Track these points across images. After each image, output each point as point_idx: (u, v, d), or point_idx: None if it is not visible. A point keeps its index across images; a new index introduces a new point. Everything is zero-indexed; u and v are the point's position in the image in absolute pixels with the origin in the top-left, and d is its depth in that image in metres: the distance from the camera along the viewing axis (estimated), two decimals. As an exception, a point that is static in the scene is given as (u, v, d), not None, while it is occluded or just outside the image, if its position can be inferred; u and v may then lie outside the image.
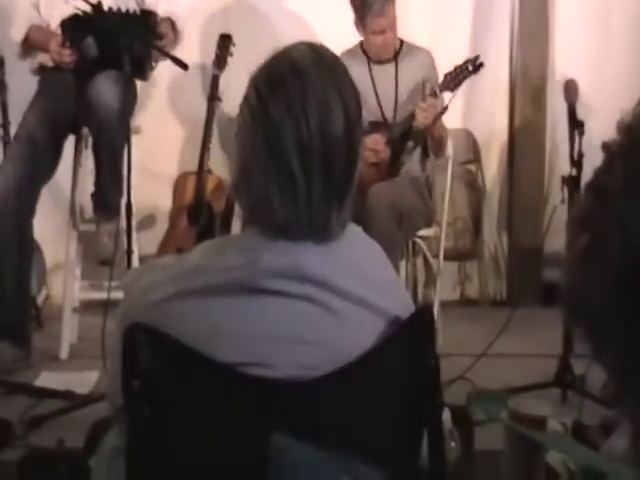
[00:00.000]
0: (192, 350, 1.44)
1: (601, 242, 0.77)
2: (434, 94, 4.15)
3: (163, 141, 5.07)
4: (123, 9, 3.96)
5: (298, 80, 1.49)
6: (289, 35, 5.05)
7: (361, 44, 4.40)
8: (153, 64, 4.07)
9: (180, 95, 5.14)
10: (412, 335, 1.55)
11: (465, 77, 4.13)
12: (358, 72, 4.23)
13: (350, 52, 4.36)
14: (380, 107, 4.32)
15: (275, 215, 1.48)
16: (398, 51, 4.37)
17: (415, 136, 4.30)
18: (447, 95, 4.19)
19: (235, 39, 4.79)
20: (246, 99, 1.53)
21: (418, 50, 4.40)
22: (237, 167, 1.54)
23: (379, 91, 4.32)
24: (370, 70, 4.34)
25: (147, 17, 4.00)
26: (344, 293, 1.50)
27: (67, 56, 3.93)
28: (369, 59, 4.37)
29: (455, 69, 4.14)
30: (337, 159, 1.49)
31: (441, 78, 4.18)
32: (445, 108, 4.16)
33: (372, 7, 4.17)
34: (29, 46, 4.14)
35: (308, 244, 1.50)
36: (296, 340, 1.48)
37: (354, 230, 1.59)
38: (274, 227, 1.49)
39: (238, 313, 1.47)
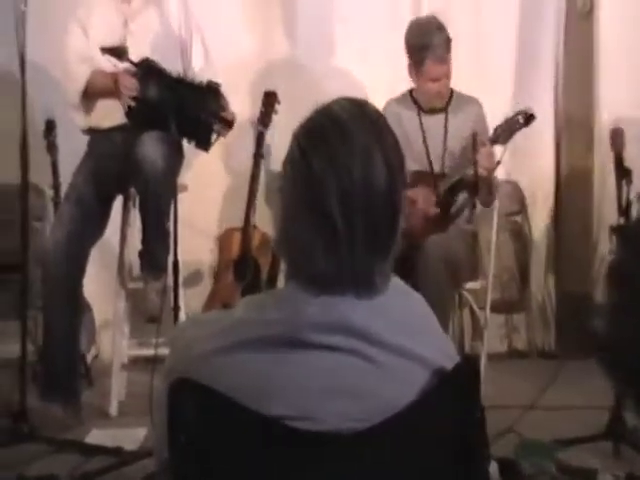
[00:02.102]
0: (238, 404, 1.44)
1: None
2: (486, 144, 4.11)
3: (209, 197, 5.13)
4: (170, 70, 4.01)
5: (339, 132, 1.50)
6: (335, 91, 5.10)
7: (410, 92, 4.39)
8: (214, 136, 4.10)
9: (225, 152, 5.20)
10: (457, 386, 1.55)
11: (516, 130, 4.10)
12: (408, 120, 4.26)
13: (399, 100, 4.37)
14: (428, 157, 4.32)
15: (317, 268, 1.49)
16: (449, 101, 4.35)
17: (467, 187, 4.27)
18: (498, 148, 4.16)
19: (281, 96, 4.85)
20: (288, 154, 1.55)
21: (468, 100, 4.38)
22: (280, 221, 1.56)
23: (428, 141, 4.31)
24: (420, 119, 4.33)
25: (215, 90, 4.06)
26: (388, 345, 1.50)
27: (131, 84, 3.97)
28: (419, 108, 4.36)
29: (506, 121, 4.12)
30: (379, 211, 1.49)
31: (491, 130, 4.16)
32: (498, 162, 4.14)
33: (434, 53, 4.15)
34: (90, 93, 4.19)
35: (351, 297, 1.50)
36: (342, 393, 1.48)
37: (395, 281, 1.59)
38: (316, 280, 1.50)
39: (283, 366, 1.47)
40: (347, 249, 1.48)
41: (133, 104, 3.97)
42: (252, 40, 5.27)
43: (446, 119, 4.34)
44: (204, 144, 4.07)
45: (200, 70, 4.29)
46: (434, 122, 4.34)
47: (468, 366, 1.57)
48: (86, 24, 4.25)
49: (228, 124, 4.10)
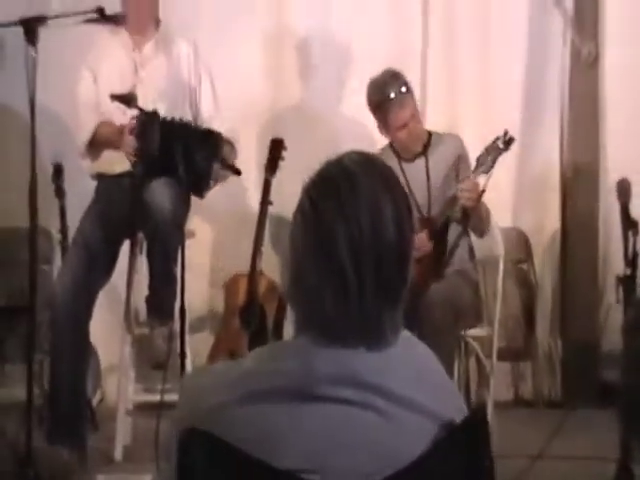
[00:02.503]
0: (249, 456, 1.44)
1: None
2: (469, 177, 4.14)
3: (215, 244, 5.15)
4: (172, 117, 4.03)
5: (349, 184, 1.52)
6: (343, 138, 5.16)
7: (391, 144, 4.44)
8: (211, 183, 4.10)
9: (232, 198, 5.22)
10: (466, 438, 1.55)
11: (497, 155, 4.11)
12: None
13: (380, 152, 4.38)
14: (416, 203, 4.29)
15: (327, 318, 1.50)
16: (427, 144, 4.39)
17: (461, 220, 4.29)
18: (482, 177, 4.16)
19: (288, 143, 4.88)
20: (299, 204, 1.57)
21: (446, 137, 4.43)
22: (289, 271, 1.57)
23: (412, 187, 4.25)
24: (401, 168, 4.31)
25: (214, 138, 4.06)
26: (399, 399, 1.51)
27: (131, 141, 4.00)
28: (399, 157, 4.39)
29: (486, 149, 4.14)
30: (389, 260, 1.51)
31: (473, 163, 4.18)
32: (483, 191, 4.14)
33: (390, 102, 4.22)
34: (96, 143, 4.24)
35: (361, 350, 1.51)
36: (353, 446, 1.48)
37: (405, 334, 1.60)
38: (327, 332, 1.51)
39: (294, 419, 1.47)
40: (357, 299, 1.49)
41: (136, 160, 4.00)
42: (263, 86, 5.31)
43: (426, 163, 4.38)
44: (199, 191, 4.07)
45: (209, 116, 4.32)
46: (415, 168, 4.37)
47: (478, 419, 1.58)
48: (96, 70, 4.29)
49: (234, 171, 4.10)
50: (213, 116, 4.33)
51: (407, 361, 1.57)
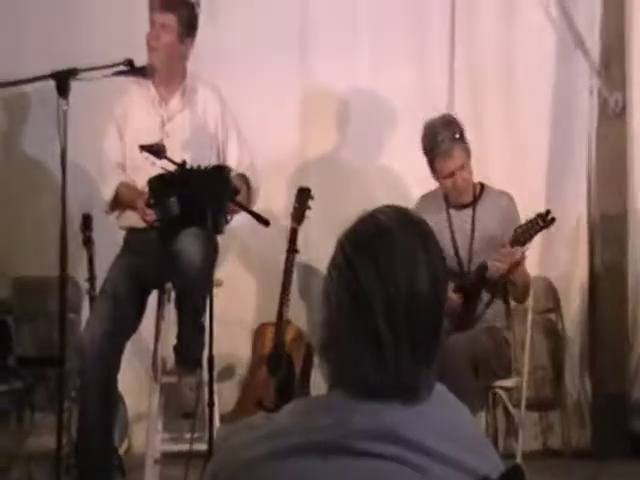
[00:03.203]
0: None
1: None
2: (506, 245, 4.12)
3: (243, 292, 5.16)
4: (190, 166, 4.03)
5: (384, 241, 1.52)
6: (373, 189, 5.19)
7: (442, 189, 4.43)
8: (228, 218, 4.08)
9: (259, 247, 5.25)
10: (503, 495, 1.54)
11: (536, 232, 4.11)
12: (436, 216, 4.26)
13: (430, 196, 4.41)
14: (457, 254, 4.31)
15: (363, 377, 1.50)
16: (478, 195, 4.37)
17: (491, 287, 4.28)
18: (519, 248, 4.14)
19: (315, 192, 4.90)
20: (334, 260, 1.57)
21: (497, 194, 4.39)
22: (324, 328, 1.57)
23: (456, 236, 4.31)
24: (448, 215, 4.35)
25: (221, 171, 4.03)
26: (434, 454, 1.50)
27: (150, 215, 4.04)
28: (448, 203, 4.39)
29: (526, 223, 4.12)
30: (424, 320, 1.51)
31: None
32: (518, 262, 4.13)
33: (439, 149, 4.21)
34: (118, 203, 4.28)
35: (397, 405, 1.51)
36: (389, 501, 1.48)
37: (440, 389, 1.60)
38: (362, 388, 1.51)
39: (331, 474, 1.47)
40: (393, 360, 1.49)
41: (158, 225, 4.03)
42: (293, 137, 5.35)
43: (474, 214, 4.35)
44: (215, 227, 3.98)
45: (235, 166, 4.34)
46: (462, 217, 4.36)
47: (514, 475, 1.57)
48: (122, 126, 4.31)
49: (263, 221, 4.08)
50: (239, 166, 4.34)
51: (441, 416, 1.56)
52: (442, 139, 4.21)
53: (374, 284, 1.49)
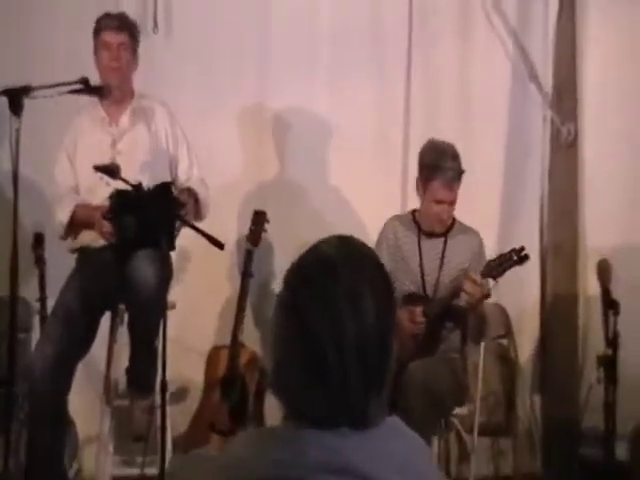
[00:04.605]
0: None
1: None
2: (478, 276, 4.11)
3: (197, 315, 5.12)
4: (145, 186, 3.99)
5: (327, 275, 1.53)
6: (326, 210, 5.19)
7: (413, 214, 4.44)
8: (175, 232, 4.02)
9: (214, 269, 5.21)
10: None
11: (509, 267, 4.11)
12: (407, 240, 4.30)
13: (401, 218, 4.44)
14: (423, 280, 4.32)
15: (314, 410, 1.50)
16: (450, 228, 4.38)
17: (456, 315, 4.28)
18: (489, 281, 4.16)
19: (271, 214, 4.89)
20: (279, 296, 1.58)
21: (468, 231, 4.41)
22: (273, 364, 1.57)
23: (425, 264, 4.33)
24: (419, 241, 4.36)
25: (165, 188, 3.99)
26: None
27: (107, 227, 4.01)
28: (420, 230, 4.39)
29: (499, 257, 4.14)
30: (371, 349, 1.52)
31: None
32: (488, 294, 4.14)
33: (444, 175, 4.20)
34: (74, 224, 4.24)
35: (349, 433, 1.51)
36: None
37: (393, 420, 1.60)
38: (314, 419, 1.51)
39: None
40: (344, 392, 1.50)
41: (115, 241, 4.00)
42: (243, 160, 5.34)
43: (444, 245, 4.36)
44: (169, 249, 3.97)
45: (186, 179, 4.33)
46: (432, 246, 4.36)
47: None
48: (72, 152, 4.31)
49: (217, 244, 4.04)
50: (189, 177, 4.34)
51: (395, 447, 1.57)
52: (450, 167, 4.21)
53: (321, 323, 1.50)
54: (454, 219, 4.41)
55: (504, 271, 4.12)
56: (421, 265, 4.33)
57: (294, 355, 1.52)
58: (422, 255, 4.32)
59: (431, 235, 4.38)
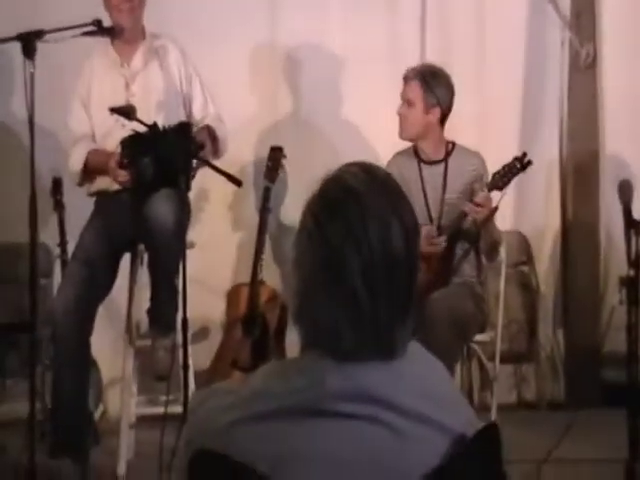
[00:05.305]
0: (260, 474, 1.44)
1: None
2: (484, 191, 4.14)
3: (216, 254, 5.13)
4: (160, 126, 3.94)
5: (353, 203, 1.51)
6: (341, 146, 5.16)
7: (414, 147, 4.44)
8: (193, 172, 4.00)
9: (232, 207, 5.22)
10: (478, 453, 1.54)
11: (514, 175, 4.14)
12: (408, 172, 4.32)
13: (402, 153, 4.45)
14: (427, 207, 4.33)
15: (341, 339, 1.49)
16: (450, 152, 4.39)
17: (467, 236, 4.29)
18: (496, 194, 4.17)
19: (287, 151, 4.87)
20: (302, 226, 1.54)
21: (469, 153, 4.42)
22: (297, 295, 1.54)
23: (427, 191, 4.34)
24: (420, 170, 4.37)
25: (184, 128, 3.97)
26: (409, 412, 1.50)
27: (123, 176, 4.00)
28: (420, 159, 4.41)
29: (503, 167, 4.15)
30: (400, 277, 1.50)
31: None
32: (496, 207, 4.15)
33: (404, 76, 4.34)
34: (88, 171, 4.23)
35: (372, 363, 1.50)
36: (364, 462, 1.47)
37: (415, 347, 1.59)
38: (337, 348, 1.50)
39: (306, 437, 1.47)
40: (370, 320, 1.48)
41: (132, 186, 3.99)
42: (258, 98, 5.29)
43: (445, 170, 4.37)
44: (186, 190, 3.94)
45: (201, 117, 4.30)
46: (433, 172, 4.38)
47: (489, 434, 1.57)
48: (86, 97, 4.27)
49: (235, 181, 4.02)
50: (205, 116, 4.32)
51: (417, 375, 1.56)
52: (412, 69, 4.36)
53: (348, 249, 1.48)
54: (454, 144, 4.41)
55: (509, 181, 4.15)
56: (424, 192, 4.33)
57: (319, 283, 1.50)
58: (424, 183, 4.32)
59: (432, 162, 4.39)
